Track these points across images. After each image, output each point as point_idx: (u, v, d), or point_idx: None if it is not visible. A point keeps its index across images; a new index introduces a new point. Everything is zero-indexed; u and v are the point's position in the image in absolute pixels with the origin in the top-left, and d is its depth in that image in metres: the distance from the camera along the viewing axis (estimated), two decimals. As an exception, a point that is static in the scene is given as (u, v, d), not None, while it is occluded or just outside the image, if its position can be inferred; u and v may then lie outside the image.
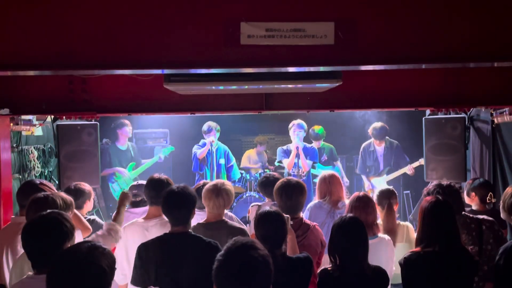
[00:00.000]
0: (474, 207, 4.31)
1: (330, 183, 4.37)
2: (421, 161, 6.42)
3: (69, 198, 3.37)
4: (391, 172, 6.69)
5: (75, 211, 3.44)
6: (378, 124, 6.77)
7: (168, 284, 2.95)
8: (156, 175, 3.80)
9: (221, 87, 4.24)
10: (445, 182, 3.79)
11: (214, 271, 2.04)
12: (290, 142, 6.64)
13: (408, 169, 6.61)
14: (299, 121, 6.56)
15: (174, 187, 3.20)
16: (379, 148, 6.78)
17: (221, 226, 3.47)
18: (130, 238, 3.55)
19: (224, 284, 2.03)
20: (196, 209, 3.74)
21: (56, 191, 3.66)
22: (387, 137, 6.84)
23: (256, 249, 2.08)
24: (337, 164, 7.21)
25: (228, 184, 3.71)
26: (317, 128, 7.15)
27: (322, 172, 4.72)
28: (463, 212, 3.62)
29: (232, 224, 3.61)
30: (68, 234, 2.51)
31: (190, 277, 2.91)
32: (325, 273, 2.94)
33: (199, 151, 6.77)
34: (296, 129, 6.45)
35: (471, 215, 3.66)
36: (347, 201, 4.29)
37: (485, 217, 3.65)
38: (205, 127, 6.82)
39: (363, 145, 6.95)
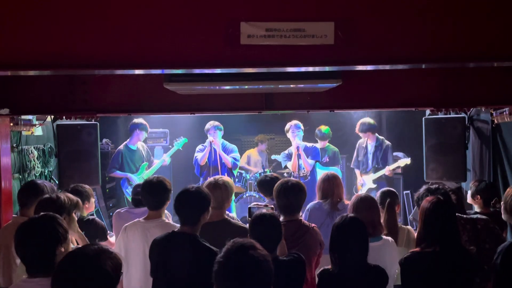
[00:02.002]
0: (477, 209, 4.27)
1: (332, 183, 4.37)
2: (400, 162, 6.51)
3: (75, 198, 3.38)
4: (377, 171, 6.73)
5: (79, 231, 3.43)
6: (363, 119, 6.88)
7: (164, 283, 2.95)
8: (150, 178, 3.79)
9: (221, 87, 4.24)
10: (434, 185, 3.79)
11: (214, 273, 2.04)
12: (291, 142, 6.63)
13: (386, 171, 6.63)
14: (295, 121, 6.56)
15: (189, 187, 3.19)
16: (370, 145, 6.84)
17: (224, 226, 3.47)
18: (130, 238, 3.55)
19: (224, 285, 2.03)
20: None
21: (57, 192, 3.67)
22: (381, 137, 6.89)
23: (256, 249, 2.08)
24: (338, 168, 7.18)
25: (227, 178, 3.72)
26: (324, 128, 7.14)
27: (324, 172, 4.72)
28: (456, 214, 3.62)
29: (235, 223, 3.62)
30: (61, 237, 2.47)
31: (186, 280, 2.91)
32: (326, 273, 2.95)
33: (200, 156, 6.72)
34: (295, 130, 6.44)
35: (465, 216, 3.66)
36: (345, 201, 4.30)
37: (479, 216, 3.67)
38: (207, 125, 6.82)
39: (359, 140, 7.07)
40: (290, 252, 3.08)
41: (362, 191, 6.38)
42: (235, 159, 6.85)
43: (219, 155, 6.66)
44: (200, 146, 6.88)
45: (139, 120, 6.74)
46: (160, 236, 3.13)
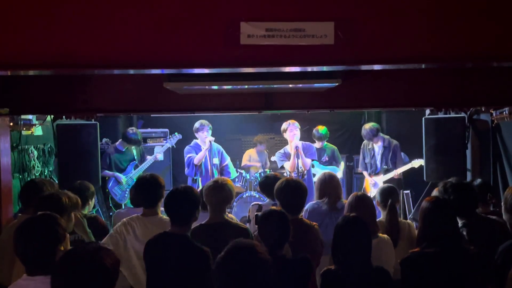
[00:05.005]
0: (477, 210, 4.25)
1: (329, 183, 4.37)
2: (414, 163, 6.47)
3: (75, 197, 3.39)
4: (388, 172, 6.70)
5: (86, 229, 3.46)
6: (367, 125, 6.83)
7: (156, 283, 2.96)
8: (143, 176, 3.80)
9: (221, 87, 4.24)
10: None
11: (214, 271, 2.05)
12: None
13: (394, 175, 6.61)
14: (293, 121, 6.52)
15: (178, 187, 3.21)
16: (377, 146, 6.81)
17: (224, 227, 3.46)
18: (131, 232, 3.57)
19: (223, 284, 2.03)
20: (201, 210, 3.74)
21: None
22: (386, 136, 6.86)
23: (257, 252, 2.08)
24: (338, 166, 7.15)
25: (229, 181, 3.73)
26: (321, 129, 7.12)
27: (322, 172, 4.73)
28: None
29: (236, 224, 3.61)
30: (60, 237, 2.48)
31: (177, 280, 2.92)
32: (328, 273, 2.94)
33: (196, 157, 6.67)
34: (293, 129, 6.38)
35: None
36: (344, 201, 4.31)
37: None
38: (197, 124, 6.69)
39: (364, 142, 7.01)
40: (293, 252, 3.08)
41: (373, 192, 6.34)
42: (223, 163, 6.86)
43: (209, 155, 6.65)
44: (188, 148, 6.79)
45: (132, 131, 6.74)
46: (153, 237, 3.14)
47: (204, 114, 6.48)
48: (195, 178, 6.70)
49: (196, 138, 6.77)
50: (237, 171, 7.36)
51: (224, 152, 6.91)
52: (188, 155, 6.70)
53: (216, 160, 6.78)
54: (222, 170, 6.86)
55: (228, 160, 6.94)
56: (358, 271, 2.85)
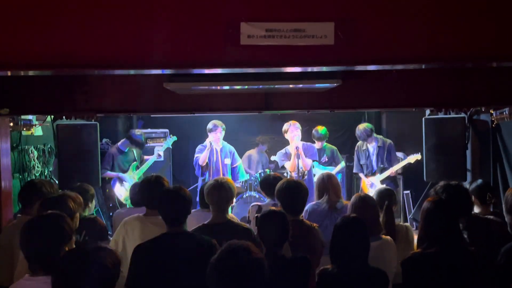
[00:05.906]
0: (476, 210, 4.26)
1: (327, 183, 4.37)
2: (410, 159, 6.46)
3: (77, 197, 3.38)
4: (384, 171, 6.70)
5: None
6: (361, 126, 6.83)
7: (167, 285, 2.94)
8: (148, 177, 3.80)
9: (221, 87, 4.24)
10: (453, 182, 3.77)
11: (207, 274, 2.04)
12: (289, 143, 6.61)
13: (390, 173, 6.61)
14: (294, 121, 6.52)
15: (169, 187, 3.20)
16: (371, 146, 6.81)
17: (227, 227, 3.45)
18: (129, 232, 3.56)
19: (216, 286, 2.03)
20: (202, 210, 3.71)
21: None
22: (380, 136, 6.86)
23: (250, 252, 2.07)
24: (335, 167, 7.14)
25: (229, 180, 3.72)
26: (321, 129, 7.12)
27: (320, 172, 4.73)
28: None
29: (239, 224, 3.60)
30: (66, 236, 2.47)
31: (188, 277, 2.90)
32: (325, 273, 2.94)
33: (201, 157, 6.64)
34: (294, 130, 6.38)
35: None
36: (343, 201, 4.31)
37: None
38: (210, 125, 6.64)
39: (358, 144, 6.99)
40: (294, 252, 3.08)
41: (371, 193, 6.34)
42: (233, 164, 6.85)
43: (220, 155, 6.63)
44: (200, 147, 6.82)
45: (138, 132, 6.75)
46: (148, 242, 3.06)
47: (204, 114, 6.48)
48: (202, 178, 6.67)
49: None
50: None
51: (236, 153, 6.89)
52: (196, 155, 6.70)
53: (227, 161, 6.76)
54: (233, 172, 6.83)
55: (239, 162, 6.91)
56: (355, 271, 2.85)
